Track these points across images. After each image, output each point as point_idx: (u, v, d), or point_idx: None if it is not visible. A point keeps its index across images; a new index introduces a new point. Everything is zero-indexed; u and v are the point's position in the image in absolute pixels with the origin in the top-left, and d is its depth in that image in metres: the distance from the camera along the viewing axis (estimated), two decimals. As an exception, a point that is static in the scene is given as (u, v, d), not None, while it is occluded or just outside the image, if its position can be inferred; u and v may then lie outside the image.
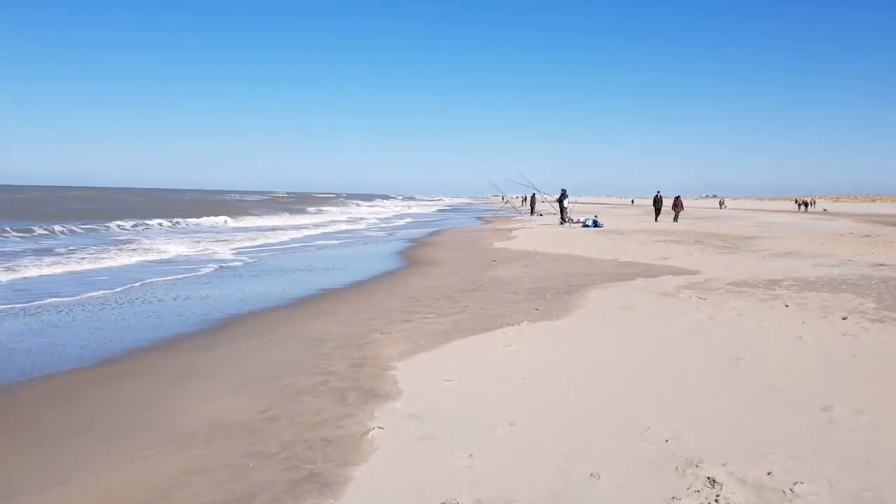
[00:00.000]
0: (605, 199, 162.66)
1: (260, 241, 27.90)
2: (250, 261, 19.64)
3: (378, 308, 11.25)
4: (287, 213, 56.73)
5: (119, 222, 35.43)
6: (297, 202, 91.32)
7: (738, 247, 21.41)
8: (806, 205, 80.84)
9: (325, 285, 14.56)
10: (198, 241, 26.37)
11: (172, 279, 15.23)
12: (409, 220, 55.19)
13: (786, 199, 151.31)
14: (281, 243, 27.43)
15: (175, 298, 12.53)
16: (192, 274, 16.31)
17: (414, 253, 22.51)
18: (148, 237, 28.63)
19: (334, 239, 30.96)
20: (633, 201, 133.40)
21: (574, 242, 24.09)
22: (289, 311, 11.38)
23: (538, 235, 28.66)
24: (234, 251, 22.90)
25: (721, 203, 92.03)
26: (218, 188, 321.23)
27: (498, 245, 24.16)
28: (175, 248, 22.68)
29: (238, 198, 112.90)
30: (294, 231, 35.43)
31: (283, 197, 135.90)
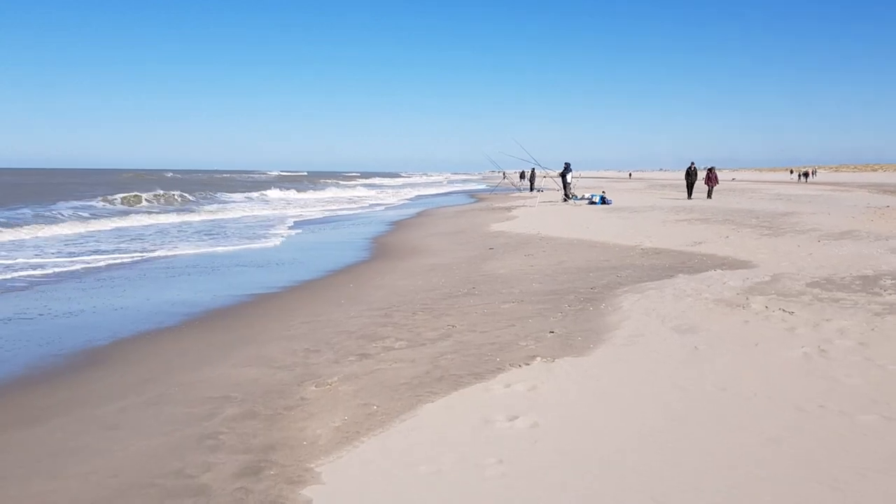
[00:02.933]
0: (602, 174, 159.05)
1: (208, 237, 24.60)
2: (174, 255, 16.37)
3: (328, 329, 8.03)
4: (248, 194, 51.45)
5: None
6: (280, 182, 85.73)
7: (778, 226, 18.16)
8: (806, 175, 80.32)
9: (271, 285, 11.32)
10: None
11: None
12: (402, 198, 51.82)
13: (782, 170, 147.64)
14: (236, 228, 24.15)
15: (51, 316, 9.27)
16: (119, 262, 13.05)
17: (395, 239, 19.24)
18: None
19: (312, 224, 27.69)
20: (630, 175, 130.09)
21: (583, 223, 20.83)
22: (197, 333, 8.14)
23: (541, 215, 25.40)
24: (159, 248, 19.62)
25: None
26: (219, 168, 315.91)
27: (495, 227, 20.92)
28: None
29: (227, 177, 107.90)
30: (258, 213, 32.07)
31: (266, 177, 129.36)
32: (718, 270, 10.84)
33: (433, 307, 9.07)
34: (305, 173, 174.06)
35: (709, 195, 31.64)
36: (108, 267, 13.85)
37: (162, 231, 22.16)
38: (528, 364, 6.12)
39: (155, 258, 15.22)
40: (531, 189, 45.56)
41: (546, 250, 14.90)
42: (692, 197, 31.66)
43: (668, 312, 7.87)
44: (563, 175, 32.78)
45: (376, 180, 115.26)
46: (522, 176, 66.84)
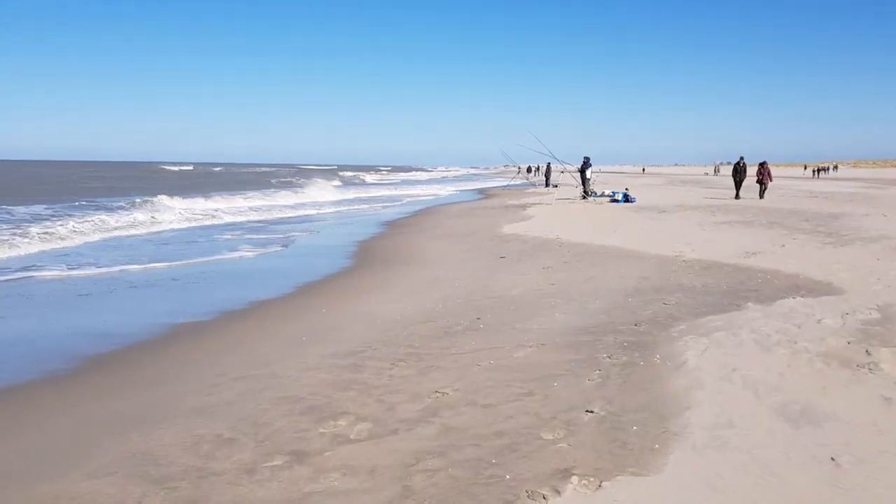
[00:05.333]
0: (618, 168, 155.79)
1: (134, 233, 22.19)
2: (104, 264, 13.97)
3: (267, 392, 5.60)
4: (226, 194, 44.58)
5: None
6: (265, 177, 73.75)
7: (838, 231, 15.55)
8: (818, 171, 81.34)
9: (220, 307, 8.88)
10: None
11: None
12: (406, 193, 49.35)
13: (797, 165, 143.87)
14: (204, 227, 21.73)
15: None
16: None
17: (392, 244, 16.74)
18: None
19: (291, 223, 25.29)
20: (643, 169, 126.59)
21: (608, 225, 18.29)
22: (78, 395, 5.68)
23: (558, 214, 22.88)
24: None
25: (716, 170, 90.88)
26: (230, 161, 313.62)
27: (508, 230, 18.42)
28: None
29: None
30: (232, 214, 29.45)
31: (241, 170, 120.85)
32: (798, 298, 8.31)
33: (421, 352, 6.63)
34: (336, 166, 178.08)
35: (761, 195, 27.42)
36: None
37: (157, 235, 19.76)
38: (559, 492, 3.65)
39: (101, 273, 12.83)
40: (547, 185, 43.01)
41: (568, 261, 12.42)
42: (741, 197, 27.38)
43: (759, 375, 5.37)
44: (581, 170, 30.14)
45: (402, 175, 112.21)
46: (530, 170, 64.18)
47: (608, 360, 6.05)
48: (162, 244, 16.72)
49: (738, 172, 28.22)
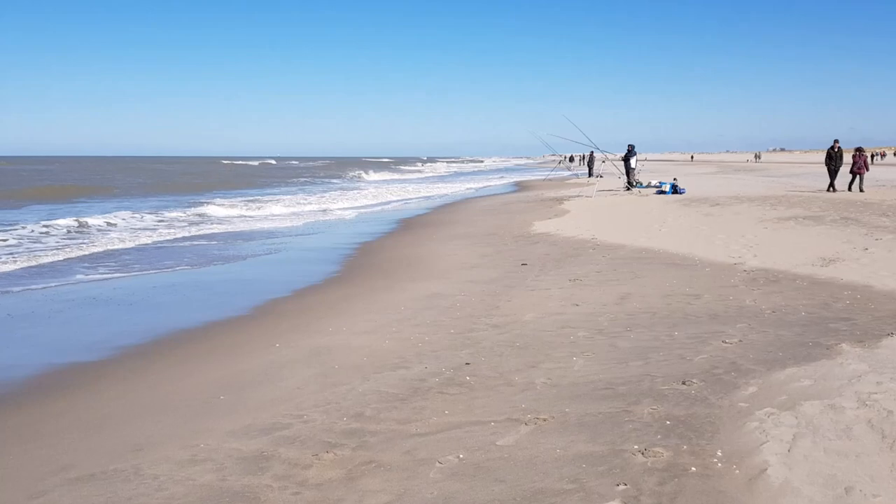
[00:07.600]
0: (665, 156, 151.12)
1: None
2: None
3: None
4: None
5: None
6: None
7: (931, 230, 12.95)
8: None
9: (116, 343, 6.90)
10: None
11: None
12: (437, 189, 47.31)
13: (844, 150, 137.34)
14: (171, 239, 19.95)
15: None
16: None
17: (393, 245, 14.64)
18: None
19: (303, 219, 23.44)
20: (692, 157, 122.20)
21: (653, 222, 15.94)
22: None
23: (598, 208, 20.56)
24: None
25: (756, 156, 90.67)
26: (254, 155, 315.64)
27: (538, 227, 16.25)
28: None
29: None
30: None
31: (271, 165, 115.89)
32: (911, 335, 5.98)
33: (367, 430, 4.56)
34: (391, 159, 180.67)
35: (850, 187, 23.36)
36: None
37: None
38: None
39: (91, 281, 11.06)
40: (590, 175, 40.51)
41: (601, 270, 10.22)
42: (836, 189, 23.46)
43: (898, 511, 3.14)
44: (625, 159, 27.63)
45: (455, 166, 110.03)
46: (573, 159, 62.47)
47: (640, 457, 3.88)
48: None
49: (833, 160, 23.99)
